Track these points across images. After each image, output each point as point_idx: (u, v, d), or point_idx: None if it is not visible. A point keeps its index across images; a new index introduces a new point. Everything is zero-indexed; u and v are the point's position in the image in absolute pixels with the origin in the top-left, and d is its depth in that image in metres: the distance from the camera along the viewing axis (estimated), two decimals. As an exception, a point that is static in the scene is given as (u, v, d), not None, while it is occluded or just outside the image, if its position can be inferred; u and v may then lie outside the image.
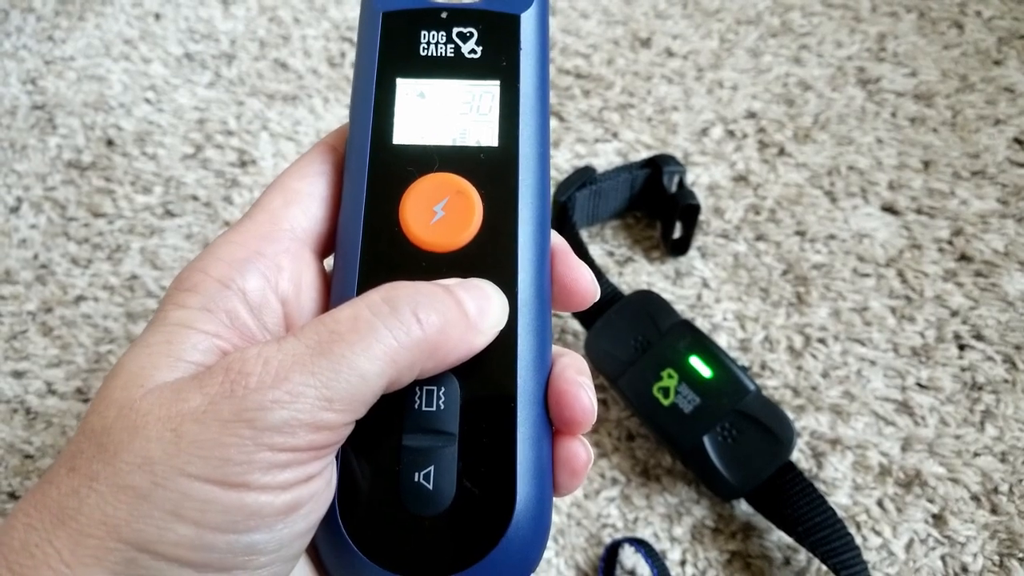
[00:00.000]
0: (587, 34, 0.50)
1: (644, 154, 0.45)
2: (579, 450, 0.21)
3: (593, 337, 0.36)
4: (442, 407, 0.20)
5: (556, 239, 0.23)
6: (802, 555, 0.33)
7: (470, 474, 0.19)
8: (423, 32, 0.23)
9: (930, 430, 0.36)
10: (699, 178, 0.44)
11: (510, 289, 0.21)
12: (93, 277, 0.44)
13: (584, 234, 0.42)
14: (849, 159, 0.43)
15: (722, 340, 0.39)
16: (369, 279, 0.20)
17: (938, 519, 0.34)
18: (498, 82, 0.23)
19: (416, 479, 0.19)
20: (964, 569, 0.33)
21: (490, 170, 0.22)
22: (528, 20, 0.23)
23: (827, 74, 0.47)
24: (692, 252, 0.41)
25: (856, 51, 0.47)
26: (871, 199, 0.42)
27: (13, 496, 0.38)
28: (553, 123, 0.47)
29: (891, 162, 0.43)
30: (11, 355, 0.42)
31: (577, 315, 0.37)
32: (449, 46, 0.23)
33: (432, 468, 0.19)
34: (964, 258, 0.40)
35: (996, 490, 0.34)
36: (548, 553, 0.34)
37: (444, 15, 0.23)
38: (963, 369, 0.37)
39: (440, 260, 0.21)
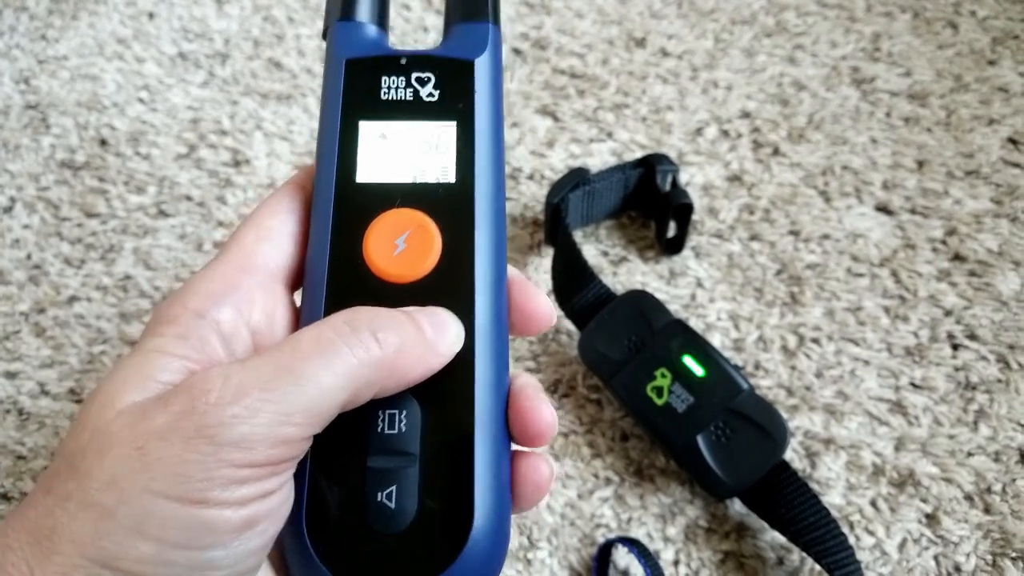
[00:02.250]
0: (582, 34, 0.50)
1: (639, 154, 0.45)
2: (542, 466, 0.22)
3: (586, 337, 0.36)
4: (403, 430, 0.21)
5: (513, 271, 0.24)
6: (795, 555, 0.33)
7: (431, 493, 0.20)
8: (383, 78, 0.24)
9: (923, 430, 0.36)
10: (693, 178, 0.44)
11: (469, 316, 0.22)
12: (86, 277, 0.44)
13: (579, 234, 0.42)
14: (843, 159, 0.43)
15: (716, 340, 0.39)
16: (335, 309, 0.21)
17: (931, 519, 0.34)
18: (455, 123, 0.24)
19: (379, 498, 0.20)
20: (957, 569, 0.33)
21: (448, 205, 0.23)
22: (482, 65, 0.25)
23: (821, 74, 0.47)
24: (686, 252, 0.41)
25: (851, 51, 0.47)
26: (865, 199, 0.42)
27: (5, 497, 0.38)
28: (548, 122, 0.47)
29: (885, 162, 0.43)
30: (4, 356, 0.42)
31: (570, 316, 0.37)
32: (408, 90, 0.24)
33: (394, 488, 0.20)
34: (958, 258, 0.40)
35: (989, 490, 0.34)
36: (542, 553, 0.34)
37: (403, 62, 0.25)
38: (957, 369, 0.37)
39: (402, 290, 0.22)
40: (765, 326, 0.39)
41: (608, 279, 0.41)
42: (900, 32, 0.48)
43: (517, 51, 0.50)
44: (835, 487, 0.35)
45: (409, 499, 0.20)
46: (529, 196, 0.44)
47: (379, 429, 0.21)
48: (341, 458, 0.21)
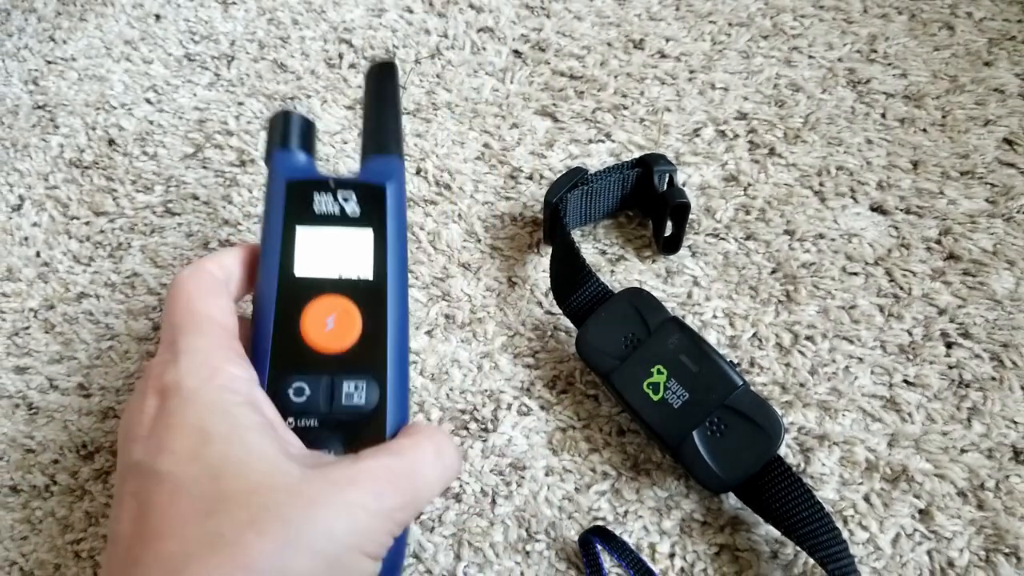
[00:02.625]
0: (581, 36, 0.51)
1: (637, 155, 0.45)
2: None
3: (584, 334, 0.36)
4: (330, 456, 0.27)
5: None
6: (789, 548, 0.34)
7: None
8: (316, 195, 0.31)
9: (917, 427, 0.36)
10: (690, 178, 0.44)
11: (382, 376, 0.29)
12: (94, 275, 0.45)
13: (576, 233, 0.43)
14: (839, 159, 0.44)
15: (712, 337, 0.39)
16: (276, 372, 0.28)
17: (924, 514, 0.34)
18: (371, 231, 0.31)
19: None
20: (950, 564, 0.33)
21: (366, 293, 0.30)
22: (391, 188, 0.32)
23: (818, 75, 0.47)
24: (683, 251, 0.42)
25: (847, 52, 0.48)
26: (860, 199, 0.43)
27: (14, 490, 0.39)
28: (547, 123, 0.47)
29: (880, 162, 0.44)
30: (13, 351, 0.43)
31: (568, 314, 0.38)
32: (335, 205, 0.31)
33: None
34: (952, 257, 0.40)
35: (982, 486, 0.35)
36: (540, 545, 0.35)
37: (331, 184, 0.32)
38: (950, 367, 0.38)
39: (331, 358, 0.29)
40: (760, 324, 0.39)
41: (606, 277, 0.41)
42: (896, 34, 0.48)
43: (517, 53, 0.50)
44: (829, 482, 0.35)
45: None
46: (528, 196, 0.45)
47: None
48: None
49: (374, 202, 0.31)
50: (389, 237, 0.31)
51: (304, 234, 0.31)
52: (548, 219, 0.40)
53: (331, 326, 0.29)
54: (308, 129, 0.34)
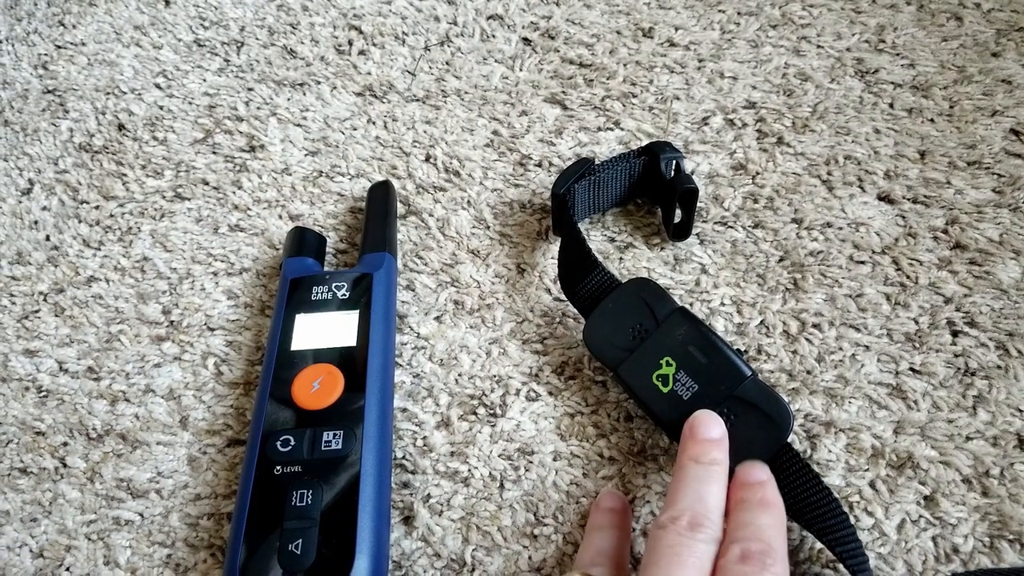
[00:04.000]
0: (590, 24, 0.51)
1: (645, 143, 0.45)
2: None
3: (591, 326, 0.36)
4: (309, 503, 0.32)
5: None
6: (795, 533, 0.34)
7: (326, 545, 0.31)
8: (314, 287, 0.39)
9: (922, 414, 0.37)
10: (699, 166, 0.44)
11: (359, 429, 0.34)
12: (104, 259, 0.45)
13: (585, 222, 0.43)
14: (846, 149, 0.44)
15: (719, 325, 0.39)
16: (269, 426, 0.34)
17: (930, 501, 0.35)
18: (358, 312, 0.38)
19: (290, 548, 0.31)
20: (955, 550, 0.34)
21: (349, 361, 0.36)
22: (378, 275, 0.39)
23: (826, 65, 0.47)
24: (691, 239, 0.42)
25: (855, 42, 0.48)
26: (867, 188, 0.43)
27: (24, 472, 0.39)
28: (556, 111, 0.47)
29: (888, 152, 0.44)
30: (23, 334, 0.43)
31: (575, 303, 0.38)
32: (329, 293, 0.39)
33: (301, 541, 0.31)
34: (959, 246, 0.41)
35: (987, 473, 0.35)
36: (547, 529, 0.35)
37: (327, 276, 0.39)
38: (956, 355, 0.38)
39: (315, 414, 0.34)
40: (768, 312, 0.40)
41: (615, 265, 0.42)
42: (905, 24, 0.48)
43: (527, 40, 0.51)
44: (835, 469, 0.35)
45: (310, 549, 0.31)
46: (538, 183, 0.45)
47: (292, 503, 0.32)
48: (267, 521, 0.31)
49: (363, 287, 0.39)
50: (374, 313, 0.37)
51: (301, 319, 0.38)
52: (555, 210, 0.41)
53: (316, 388, 0.35)
54: (317, 242, 0.42)
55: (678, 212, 0.41)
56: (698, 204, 0.40)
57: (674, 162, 0.40)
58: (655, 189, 0.42)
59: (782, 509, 0.31)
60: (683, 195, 0.39)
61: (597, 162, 0.41)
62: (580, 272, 0.38)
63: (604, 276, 0.37)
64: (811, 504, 0.32)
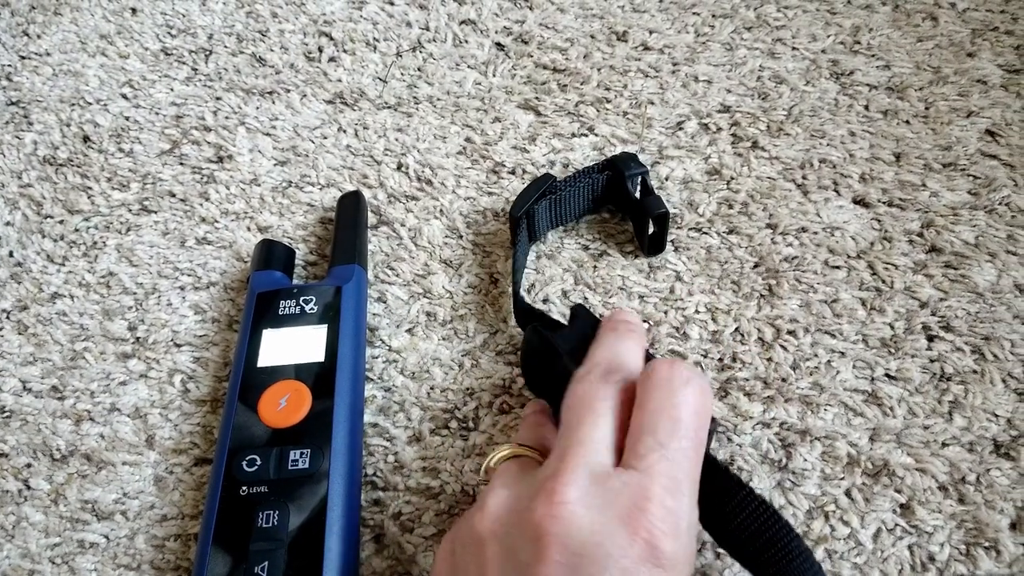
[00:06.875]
0: (564, 28, 0.50)
1: (620, 148, 0.45)
2: None
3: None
4: (276, 525, 0.31)
5: None
6: None
7: (292, 567, 0.30)
8: (281, 301, 0.38)
9: (898, 420, 0.36)
10: (673, 172, 0.44)
11: (327, 447, 0.33)
12: (69, 274, 0.44)
13: (558, 230, 0.43)
14: (822, 152, 0.44)
15: (694, 332, 0.39)
16: (235, 444, 0.33)
17: (905, 509, 0.34)
18: (326, 326, 0.37)
19: (256, 570, 0.30)
20: (931, 558, 0.33)
21: (318, 377, 0.35)
22: (347, 288, 0.38)
23: (801, 67, 0.47)
24: (665, 246, 0.41)
25: (830, 44, 0.48)
26: (843, 192, 0.42)
27: (-10, 493, 0.38)
28: (530, 117, 0.47)
29: (863, 155, 0.43)
30: (-13, 352, 0.42)
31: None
32: (297, 307, 0.38)
33: (267, 563, 0.30)
34: (934, 250, 0.40)
35: (963, 480, 0.35)
36: (520, 545, 0.35)
37: (295, 290, 0.38)
38: (932, 360, 0.38)
39: (283, 432, 0.34)
40: (742, 318, 0.39)
41: (588, 273, 0.41)
42: (880, 25, 0.48)
43: (500, 45, 0.50)
44: (810, 477, 0.35)
45: (277, 571, 0.30)
46: (511, 191, 0.44)
47: (259, 524, 0.31)
48: (233, 542, 0.31)
49: (332, 301, 0.38)
50: (343, 327, 0.37)
51: (268, 334, 0.37)
52: (513, 230, 0.40)
53: (283, 405, 0.34)
54: (286, 254, 0.41)
55: (651, 228, 0.40)
56: (672, 212, 0.40)
57: (639, 179, 0.40)
58: (622, 204, 0.41)
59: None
60: (656, 219, 0.39)
61: (559, 179, 0.40)
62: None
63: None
64: (770, 543, 0.27)
